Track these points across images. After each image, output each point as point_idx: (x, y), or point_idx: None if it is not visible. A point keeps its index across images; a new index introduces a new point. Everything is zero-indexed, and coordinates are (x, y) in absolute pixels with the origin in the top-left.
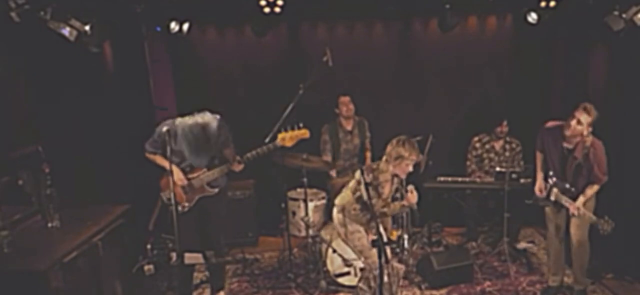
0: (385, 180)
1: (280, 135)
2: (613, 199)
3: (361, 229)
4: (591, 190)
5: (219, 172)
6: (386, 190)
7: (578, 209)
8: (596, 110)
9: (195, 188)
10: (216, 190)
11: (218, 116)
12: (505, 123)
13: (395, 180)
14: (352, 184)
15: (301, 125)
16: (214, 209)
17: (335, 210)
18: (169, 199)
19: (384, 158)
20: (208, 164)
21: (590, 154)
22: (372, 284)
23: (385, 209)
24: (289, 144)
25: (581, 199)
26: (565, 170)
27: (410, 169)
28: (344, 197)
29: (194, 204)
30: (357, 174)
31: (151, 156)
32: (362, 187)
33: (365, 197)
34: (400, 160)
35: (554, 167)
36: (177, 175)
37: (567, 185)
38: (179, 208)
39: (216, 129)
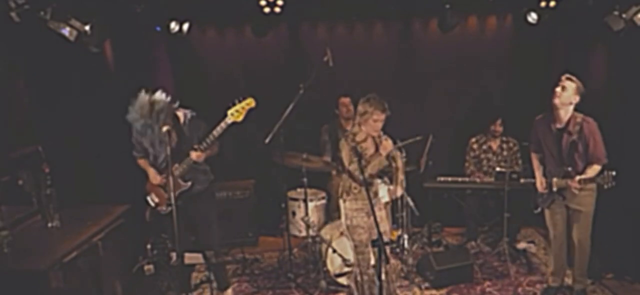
0: (362, 140)
1: (229, 112)
2: (613, 198)
3: (364, 226)
4: (592, 170)
5: (187, 165)
6: (369, 150)
7: (579, 181)
8: (578, 80)
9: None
10: (189, 183)
11: (188, 111)
12: (499, 122)
13: (370, 140)
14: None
15: (242, 97)
16: (198, 212)
17: (340, 201)
18: (155, 203)
19: (355, 121)
20: (178, 159)
21: (585, 129)
22: (358, 279)
23: (369, 170)
24: (239, 118)
25: (581, 176)
26: (561, 151)
27: (379, 125)
28: (342, 182)
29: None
30: (339, 145)
31: (139, 162)
32: (345, 152)
33: (346, 162)
34: (367, 116)
35: (551, 154)
36: (153, 175)
37: (567, 168)
38: (163, 208)
39: (183, 120)
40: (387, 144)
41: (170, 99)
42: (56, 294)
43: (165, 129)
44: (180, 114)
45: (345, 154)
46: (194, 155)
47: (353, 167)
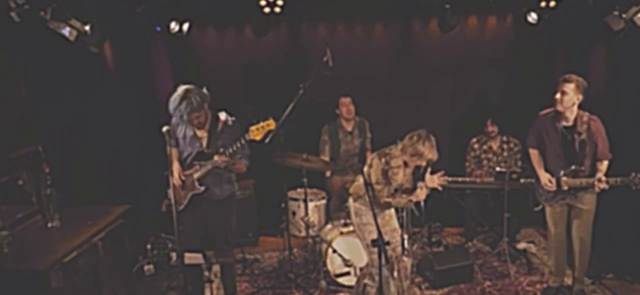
0: (397, 166)
1: (250, 128)
2: (613, 198)
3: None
4: (603, 166)
5: (205, 169)
6: (399, 177)
7: (600, 180)
8: (576, 76)
9: (187, 185)
10: (202, 188)
11: (232, 118)
12: (489, 122)
13: (407, 169)
14: (365, 170)
15: (267, 117)
16: (216, 219)
17: (350, 199)
18: (169, 200)
19: (400, 146)
20: (202, 160)
21: (592, 127)
22: (376, 278)
23: (389, 200)
24: (257, 136)
25: (599, 173)
26: (570, 151)
27: (423, 164)
28: (358, 184)
29: (187, 201)
30: (369, 159)
31: (170, 148)
32: (374, 170)
33: (374, 179)
34: (416, 157)
35: (556, 153)
36: (176, 174)
37: (574, 167)
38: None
39: (221, 126)
40: (421, 193)
41: (207, 96)
42: (56, 294)
43: (165, 129)
44: (221, 116)
45: (374, 171)
46: (217, 157)
47: (378, 187)
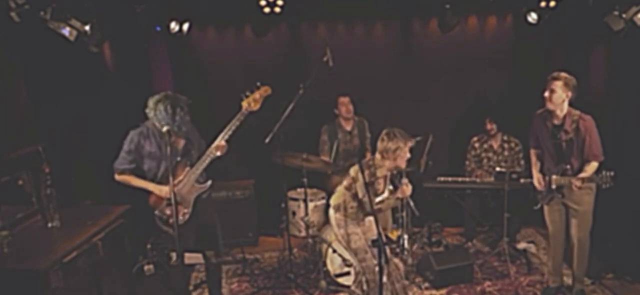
0: (382, 176)
1: (243, 103)
2: (613, 198)
3: (359, 230)
4: (590, 167)
5: (206, 164)
6: (381, 187)
7: (581, 179)
8: (565, 74)
9: (185, 191)
10: (209, 182)
11: None
12: (488, 120)
13: (388, 174)
14: (345, 181)
15: (258, 84)
16: (207, 214)
17: (331, 211)
18: (161, 218)
19: (378, 155)
20: (189, 161)
21: (581, 126)
22: (365, 287)
23: (380, 205)
24: (255, 107)
25: (582, 174)
26: (559, 149)
27: (409, 155)
28: (339, 195)
29: (192, 207)
30: (352, 170)
31: (122, 178)
32: (359, 183)
33: (360, 195)
34: (399, 151)
35: (549, 151)
36: (160, 190)
37: (565, 166)
38: (180, 217)
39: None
40: (407, 189)
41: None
42: (56, 294)
43: (165, 129)
44: None
45: (359, 185)
46: (219, 148)
47: (366, 199)
